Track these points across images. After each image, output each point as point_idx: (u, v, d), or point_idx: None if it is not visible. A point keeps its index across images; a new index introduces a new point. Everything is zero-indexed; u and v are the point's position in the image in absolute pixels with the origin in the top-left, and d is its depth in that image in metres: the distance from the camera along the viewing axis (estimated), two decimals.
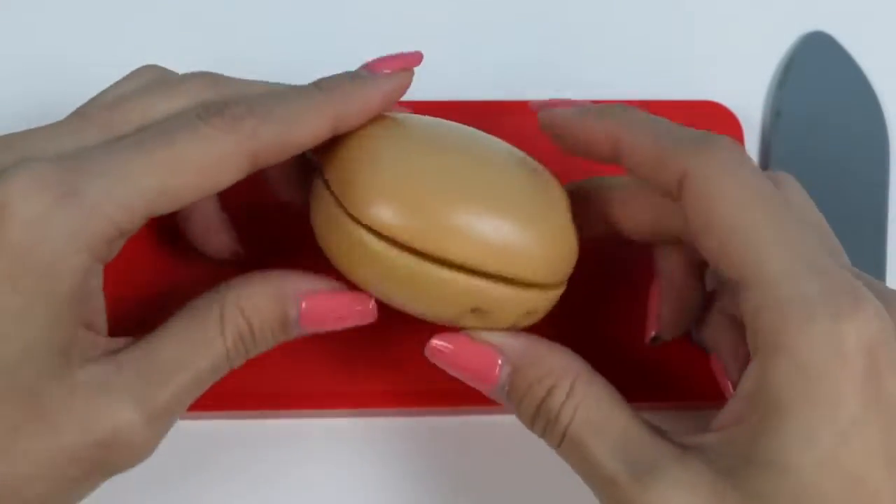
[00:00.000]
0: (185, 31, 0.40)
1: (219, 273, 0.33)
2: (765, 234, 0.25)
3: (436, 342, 0.29)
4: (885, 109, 0.40)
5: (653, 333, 0.31)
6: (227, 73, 0.30)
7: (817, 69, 0.40)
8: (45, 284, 0.25)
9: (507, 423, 0.33)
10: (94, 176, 0.25)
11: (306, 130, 0.28)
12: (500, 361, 0.28)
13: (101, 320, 0.28)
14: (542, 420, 0.28)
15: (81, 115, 0.28)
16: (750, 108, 0.39)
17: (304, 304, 0.28)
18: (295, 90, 0.29)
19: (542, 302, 0.29)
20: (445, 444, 0.35)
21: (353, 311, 0.29)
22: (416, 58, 0.30)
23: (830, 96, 0.39)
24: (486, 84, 0.39)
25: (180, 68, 0.30)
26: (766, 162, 0.39)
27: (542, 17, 0.41)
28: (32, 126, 0.28)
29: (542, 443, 0.28)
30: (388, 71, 0.29)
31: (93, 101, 0.29)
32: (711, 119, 0.37)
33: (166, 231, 0.34)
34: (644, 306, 0.34)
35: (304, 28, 0.40)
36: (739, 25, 0.41)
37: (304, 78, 0.30)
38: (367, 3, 0.40)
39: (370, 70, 0.29)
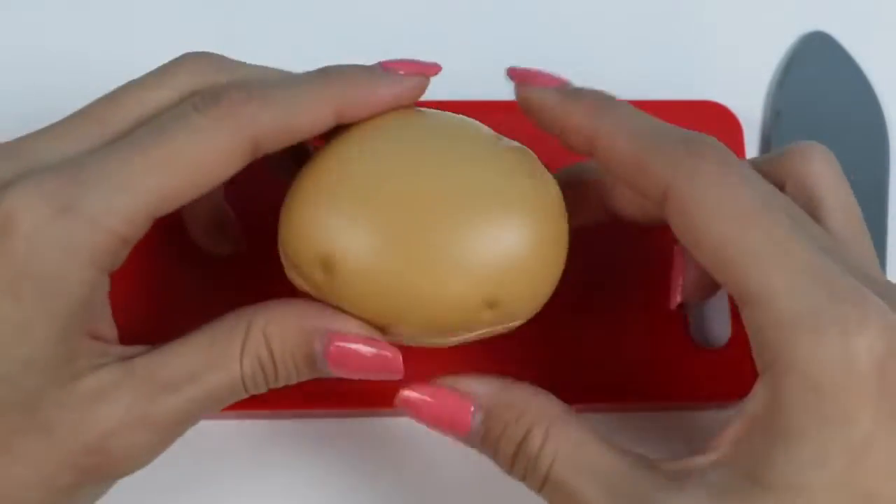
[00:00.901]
0: (189, 27, 0.40)
1: (232, 277, 0.33)
2: (757, 249, 0.24)
3: (405, 392, 0.28)
4: (885, 109, 0.40)
5: (678, 300, 0.30)
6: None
7: (817, 69, 0.40)
8: (48, 298, 0.24)
9: None
10: (91, 186, 0.25)
11: (309, 115, 0.27)
12: (472, 407, 0.27)
13: (108, 328, 0.27)
14: (521, 463, 0.27)
15: (82, 113, 0.27)
16: (750, 108, 0.39)
17: (332, 346, 0.27)
18: (297, 74, 0.28)
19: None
20: (444, 444, 0.35)
21: (379, 362, 0.27)
22: (434, 69, 0.28)
23: (830, 96, 0.39)
24: (486, 84, 0.39)
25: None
26: None
27: (541, 17, 0.41)
28: (32, 122, 0.27)
29: None
30: (403, 72, 0.28)
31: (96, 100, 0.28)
32: (711, 119, 0.37)
33: (172, 230, 0.34)
34: (642, 304, 0.34)
35: (303, 28, 0.40)
36: (739, 25, 0.41)
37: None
38: (369, 4, 0.40)
39: (384, 67, 0.28)
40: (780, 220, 0.25)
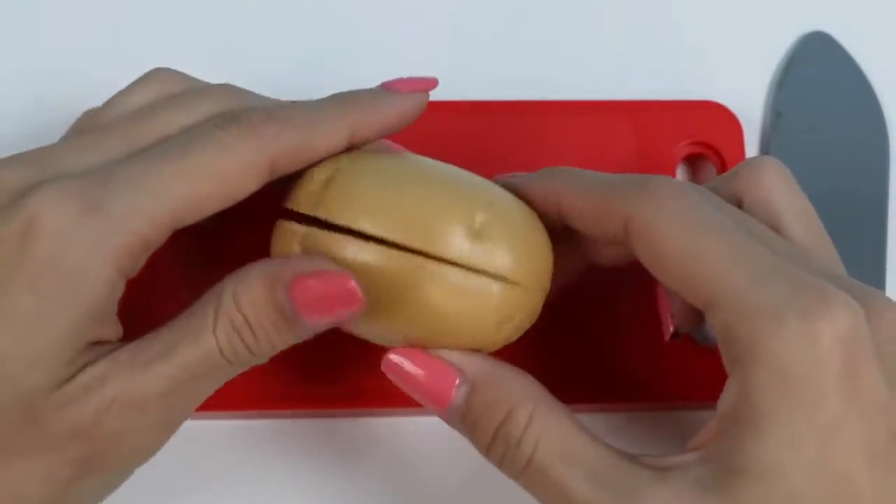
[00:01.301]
0: (190, 37, 0.40)
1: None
2: (716, 256, 0.25)
3: (392, 356, 0.27)
4: (885, 109, 0.40)
5: (671, 330, 0.31)
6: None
7: (817, 69, 0.40)
8: (68, 294, 0.25)
9: None
10: (118, 189, 0.25)
11: (325, 137, 0.28)
12: (457, 380, 0.27)
13: (113, 332, 0.27)
14: (500, 446, 0.27)
15: (105, 128, 0.28)
16: (750, 108, 0.39)
17: (293, 286, 0.26)
18: (312, 101, 0.29)
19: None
20: (443, 444, 0.35)
21: (336, 291, 0.26)
22: (432, 83, 0.30)
23: (830, 96, 0.39)
24: (486, 84, 0.39)
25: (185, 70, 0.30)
26: None
27: (542, 17, 0.41)
28: (36, 132, 0.28)
29: None
30: (405, 91, 0.30)
31: (113, 110, 0.29)
32: (711, 119, 0.37)
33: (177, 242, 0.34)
34: (641, 304, 0.34)
35: (299, 31, 0.40)
36: (739, 25, 0.41)
37: (302, 85, 0.30)
38: (369, 4, 0.40)
39: (387, 88, 0.30)
40: (734, 231, 0.26)
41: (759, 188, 0.29)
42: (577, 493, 0.26)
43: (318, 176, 0.28)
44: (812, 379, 0.24)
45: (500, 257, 0.27)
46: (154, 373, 0.26)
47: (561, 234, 0.30)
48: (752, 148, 0.39)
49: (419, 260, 0.26)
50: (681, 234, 0.26)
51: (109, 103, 0.29)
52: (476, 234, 0.27)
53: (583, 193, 0.28)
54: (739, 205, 0.29)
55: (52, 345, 0.25)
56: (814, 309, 0.24)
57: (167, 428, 0.27)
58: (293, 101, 0.30)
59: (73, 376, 0.26)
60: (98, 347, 0.26)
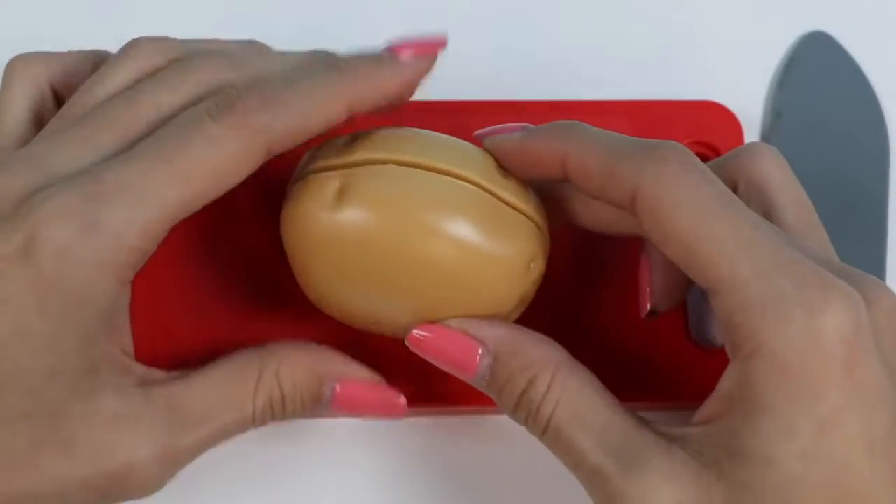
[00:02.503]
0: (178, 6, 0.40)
1: (248, 304, 0.33)
2: (723, 240, 0.25)
3: (416, 332, 0.29)
4: (885, 109, 0.40)
5: (648, 307, 0.31)
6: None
7: (817, 69, 0.40)
8: (74, 312, 0.25)
9: (507, 422, 0.33)
10: (113, 201, 0.25)
11: (322, 116, 0.27)
12: (479, 351, 0.28)
13: (127, 339, 0.28)
14: (523, 411, 0.28)
15: (96, 116, 0.27)
16: (750, 108, 0.39)
17: (338, 388, 0.30)
18: (309, 71, 0.28)
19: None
20: (447, 444, 0.35)
21: (383, 404, 0.30)
22: (441, 42, 0.29)
23: (830, 96, 0.39)
24: (485, 84, 0.39)
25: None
26: None
27: (540, 17, 0.41)
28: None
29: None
30: (410, 54, 0.28)
31: (95, 92, 0.28)
32: (711, 119, 0.37)
33: (195, 256, 0.34)
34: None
35: (295, 20, 0.40)
36: (739, 25, 0.41)
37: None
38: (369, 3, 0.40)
39: (392, 53, 0.28)
40: (743, 213, 0.26)
41: (754, 173, 0.29)
42: (586, 458, 0.27)
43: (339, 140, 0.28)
44: (813, 373, 0.24)
45: (524, 193, 0.28)
46: (195, 434, 0.28)
47: (543, 189, 0.30)
48: None
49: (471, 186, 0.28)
50: (690, 214, 0.26)
51: (91, 86, 0.29)
52: (503, 173, 0.28)
53: (588, 156, 0.27)
54: (734, 189, 0.29)
55: (68, 359, 0.26)
56: (818, 305, 0.24)
57: (179, 471, 0.28)
58: (283, 53, 0.29)
59: (100, 390, 0.26)
60: (120, 357, 0.27)
